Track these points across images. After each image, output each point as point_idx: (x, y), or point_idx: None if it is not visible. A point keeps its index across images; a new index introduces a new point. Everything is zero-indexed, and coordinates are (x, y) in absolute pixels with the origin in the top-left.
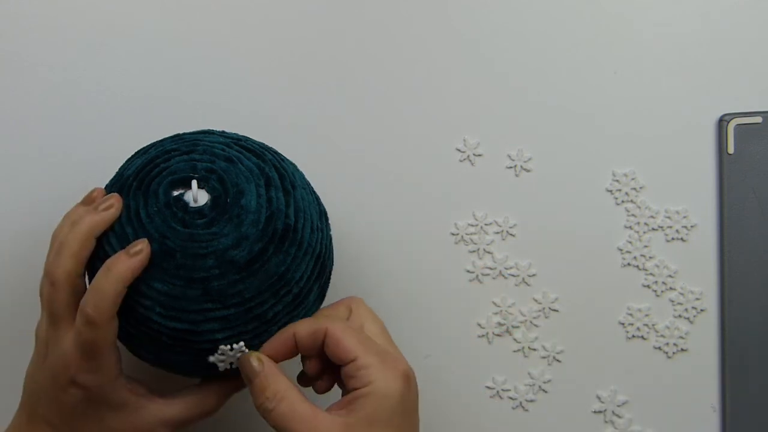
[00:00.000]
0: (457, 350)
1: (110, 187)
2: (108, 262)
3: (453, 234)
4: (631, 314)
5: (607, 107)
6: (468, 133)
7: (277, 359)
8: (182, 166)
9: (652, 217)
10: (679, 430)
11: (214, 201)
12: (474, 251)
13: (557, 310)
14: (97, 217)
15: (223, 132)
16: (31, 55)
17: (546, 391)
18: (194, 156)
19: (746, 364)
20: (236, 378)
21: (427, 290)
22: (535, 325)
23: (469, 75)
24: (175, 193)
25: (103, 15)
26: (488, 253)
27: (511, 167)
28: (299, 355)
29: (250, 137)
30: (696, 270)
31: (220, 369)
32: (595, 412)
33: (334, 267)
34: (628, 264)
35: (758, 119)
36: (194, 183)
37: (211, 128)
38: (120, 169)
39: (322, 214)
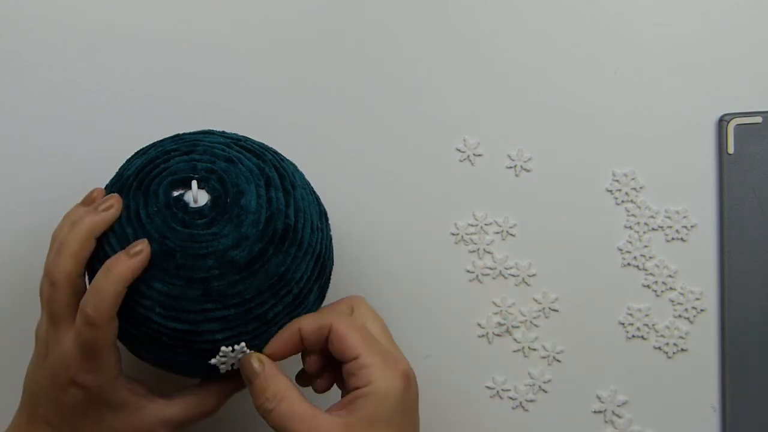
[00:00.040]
0: (457, 350)
1: (110, 188)
2: (108, 262)
3: (453, 234)
4: (631, 314)
5: (607, 107)
6: (468, 133)
7: (283, 355)
8: (182, 166)
9: (652, 217)
10: (679, 430)
11: (214, 201)
12: (474, 251)
13: (557, 310)
14: (97, 217)
15: (223, 132)
16: (31, 55)
17: (546, 391)
18: (194, 156)
19: (746, 364)
20: (236, 378)
21: (427, 290)
22: (535, 325)
23: (469, 75)
24: (175, 193)
25: (103, 15)
26: (488, 253)
27: (511, 167)
28: (299, 353)
29: (250, 137)
30: (696, 270)
31: (222, 371)
32: (595, 412)
33: (334, 267)
34: (628, 264)
35: (758, 119)
36: (194, 183)
37: (211, 128)
38: (120, 169)
39: (322, 214)
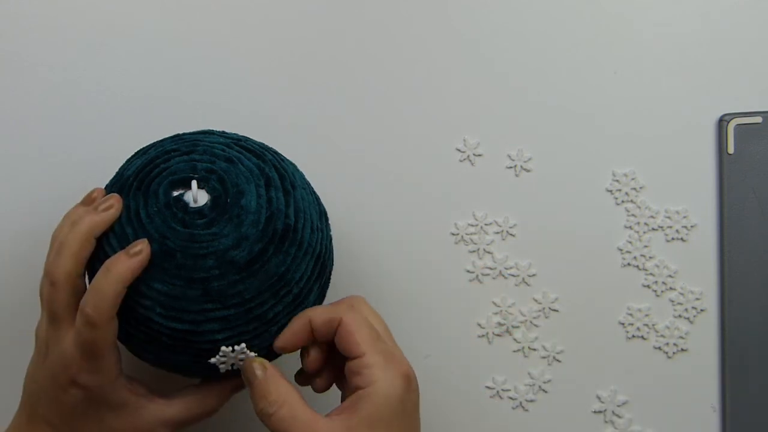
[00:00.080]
0: (457, 350)
1: (110, 188)
2: (108, 262)
3: (453, 234)
4: (631, 314)
5: (607, 107)
6: (468, 133)
7: (295, 346)
8: (182, 166)
9: (652, 217)
10: (679, 430)
11: (214, 201)
12: (474, 251)
13: (557, 310)
14: (97, 217)
15: (223, 132)
16: (31, 55)
17: (546, 391)
18: (194, 156)
19: (746, 364)
20: (236, 378)
21: (427, 290)
22: (535, 325)
23: (469, 75)
24: (175, 193)
25: (103, 15)
26: (488, 253)
27: (511, 167)
28: (298, 352)
29: (250, 137)
30: (696, 270)
31: (222, 371)
32: (595, 412)
33: (334, 267)
34: (628, 264)
35: (758, 119)
36: (194, 183)
37: (211, 128)
38: (120, 169)
39: (322, 214)
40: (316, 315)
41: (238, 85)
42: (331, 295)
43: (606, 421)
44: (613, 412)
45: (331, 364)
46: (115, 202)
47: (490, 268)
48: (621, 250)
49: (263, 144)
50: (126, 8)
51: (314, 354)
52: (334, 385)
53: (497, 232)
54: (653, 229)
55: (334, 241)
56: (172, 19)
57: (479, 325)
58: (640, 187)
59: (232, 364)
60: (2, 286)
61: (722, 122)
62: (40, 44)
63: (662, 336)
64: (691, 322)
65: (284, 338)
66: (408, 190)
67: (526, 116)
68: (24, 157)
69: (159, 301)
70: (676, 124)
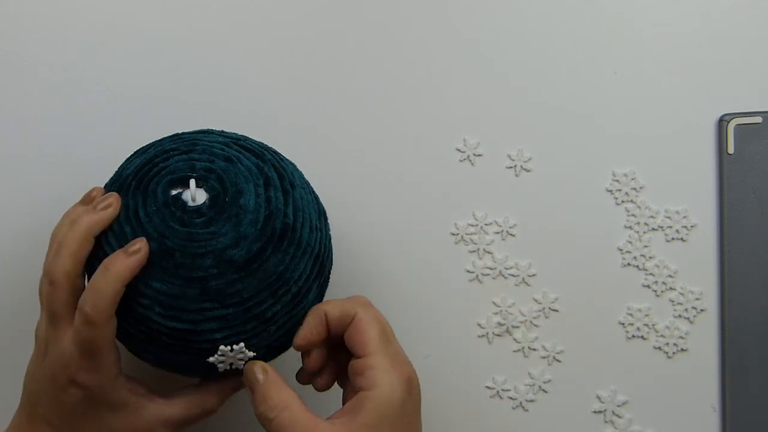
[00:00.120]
0: (457, 350)
1: (109, 187)
2: (106, 261)
3: (453, 234)
4: (631, 314)
5: (607, 107)
6: (468, 133)
7: (313, 342)
8: (181, 165)
9: (652, 217)
10: (679, 430)
11: (212, 200)
12: (474, 251)
13: (557, 310)
14: (96, 216)
15: (223, 132)
16: (31, 55)
17: (546, 391)
18: (193, 155)
19: (746, 364)
20: (236, 378)
21: (427, 290)
22: (535, 325)
23: (469, 75)
24: (174, 192)
25: (103, 15)
26: (488, 253)
27: (511, 167)
28: (297, 351)
29: (250, 137)
30: (696, 270)
31: (220, 370)
32: (595, 412)
33: (333, 267)
34: (628, 264)
35: (758, 119)
36: (192, 182)
37: (210, 128)
38: (119, 168)
39: (321, 214)
40: (331, 309)
41: (238, 85)
42: (331, 295)
43: (606, 421)
44: (613, 412)
45: (333, 363)
46: (114, 201)
47: (490, 268)
48: (621, 250)
49: (262, 143)
50: (126, 8)
51: (316, 353)
52: (335, 384)
53: (497, 232)
54: (653, 229)
55: (333, 241)
56: (172, 19)
57: (479, 325)
58: (640, 187)
59: (231, 364)
60: (2, 286)
61: (722, 122)
62: (40, 44)
63: (662, 336)
64: (691, 322)
65: (303, 335)
66: (408, 190)
67: (526, 116)
68: (24, 157)
69: (158, 300)
70: (676, 124)
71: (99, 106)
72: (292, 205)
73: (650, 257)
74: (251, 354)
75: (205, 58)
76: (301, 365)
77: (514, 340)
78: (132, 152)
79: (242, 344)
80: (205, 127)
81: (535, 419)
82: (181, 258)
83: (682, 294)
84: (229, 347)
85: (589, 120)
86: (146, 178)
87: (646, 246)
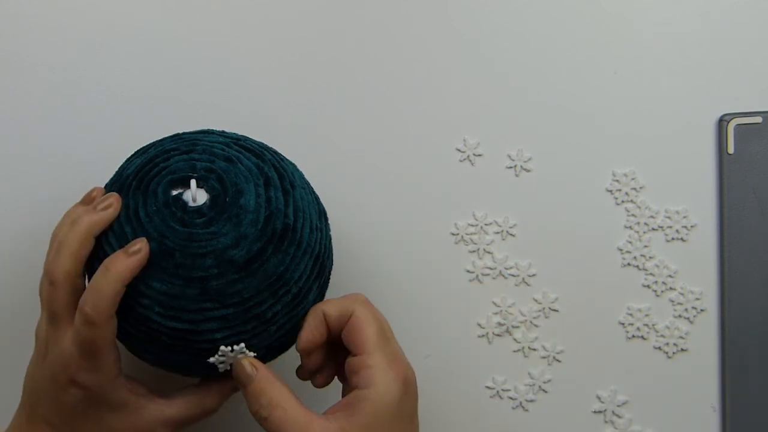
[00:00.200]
0: (457, 350)
1: (110, 187)
2: (106, 261)
3: (453, 234)
4: (631, 314)
5: (607, 107)
6: (468, 133)
7: (315, 344)
8: (181, 165)
9: (652, 217)
10: (679, 430)
11: (213, 200)
12: (474, 251)
13: (557, 310)
14: (96, 216)
15: (223, 132)
16: (31, 55)
17: (546, 391)
18: (194, 155)
19: (746, 364)
20: None
21: (427, 290)
22: (535, 325)
23: (469, 75)
24: (174, 192)
25: (103, 15)
26: (488, 253)
27: (511, 167)
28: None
29: (250, 137)
30: (696, 270)
31: (220, 370)
32: (595, 412)
33: (333, 267)
34: (628, 264)
35: (758, 119)
36: (193, 182)
37: (210, 128)
38: (119, 168)
39: (322, 214)
40: (330, 309)
41: (238, 85)
42: (331, 295)
43: (606, 421)
44: (613, 412)
45: (332, 360)
46: (114, 201)
47: (490, 268)
48: (621, 250)
49: (263, 143)
50: (126, 8)
51: (314, 354)
52: (334, 379)
53: (497, 232)
54: (653, 229)
55: (333, 241)
56: (172, 19)
57: (479, 325)
58: (640, 187)
59: (231, 364)
60: (2, 286)
61: (722, 122)
62: (40, 44)
63: (662, 336)
64: (691, 322)
65: (305, 338)
66: (408, 190)
67: (526, 116)
68: (24, 157)
69: (158, 300)
70: (676, 124)
71: (99, 106)
72: (292, 206)
73: (650, 257)
74: (251, 354)
75: (205, 58)
76: (299, 362)
77: (514, 340)
78: (132, 152)
79: (242, 344)
80: (205, 127)
81: (535, 419)
82: (182, 258)
83: (682, 294)
84: (229, 347)
85: (589, 120)
86: (147, 178)
87: (646, 246)
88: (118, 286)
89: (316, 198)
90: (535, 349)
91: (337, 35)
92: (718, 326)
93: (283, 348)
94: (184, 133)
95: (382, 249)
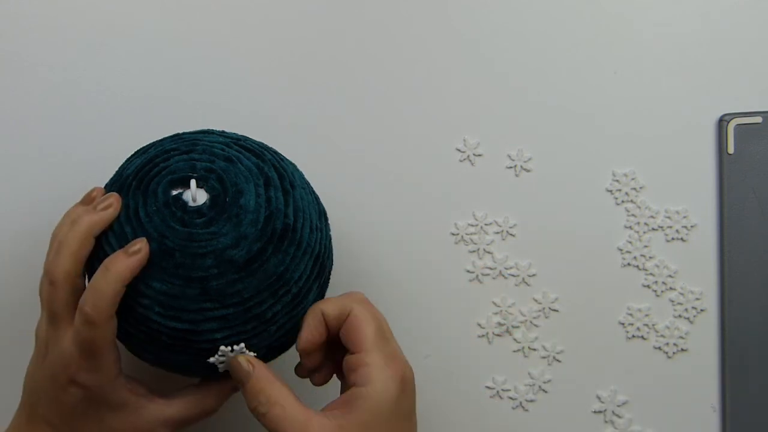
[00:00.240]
0: (457, 350)
1: (110, 187)
2: (106, 261)
3: (453, 234)
4: (631, 314)
5: (607, 107)
6: (468, 133)
7: (315, 344)
8: (181, 165)
9: (652, 217)
10: (679, 430)
11: (213, 200)
12: (474, 251)
13: (557, 310)
14: (96, 216)
15: (223, 132)
16: (31, 55)
17: (546, 391)
18: (194, 155)
19: (746, 364)
20: None
21: (427, 290)
22: (535, 325)
23: (469, 75)
24: (174, 192)
25: (103, 15)
26: (488, 253)
27: (511, 167)
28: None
29: (250, 137)
30: (696, 270)
31: (220, 370)
32: (595, 412)
33: (333, 267)
34: (628, 264)
35: (758, 119)
36: (193, 182)
37: (210, 128)
38: (119, 168)
39: (322, 214)
40: (329, 308)
41: (238, 85)
42: (330, 295)
43: (606, 421)
44: (613, 412)
45: (330, 358)
46: (114, 201)
47: (490, 268)
48: (621, 250)
49: (263, 143)
50: (126, 8)
51: (313, 354)
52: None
53: (497, 232)
54: (653, 229)
55: (333, 241)
56: (172, 19)
57: (479, 325)
58: (640, 187)
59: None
60: (2, 286)
61: (722, 122)
62: (40, 44)
63: (662, 336)
64: (691, 322)
65: (305, 338)
66: (408, 190)
67: (526, 116)
68: (24, 157)
69: (158, 300)
70: (676, 124)
71: (99, 106)
72: (292, 206)
73: (650, 257)
74: (252, 354)
75: (205, 58)
76: (298, 360)
77: (514, 340)
78: (132, 152)
79: (242, 344)
80: (205, 127)
81: (535, 419)
82: (182, 258)
83: (682, 294)
84: (229, 347)
85: (589, 120)
86: (147, 178)
87: (646, 246)
88: (118, 286)
89: (316, 198)
90: (535, 349)
91: (337, 35)
92: (718, 326)
93: (283, 348)
94: (184, 133)
95: (382, 249)
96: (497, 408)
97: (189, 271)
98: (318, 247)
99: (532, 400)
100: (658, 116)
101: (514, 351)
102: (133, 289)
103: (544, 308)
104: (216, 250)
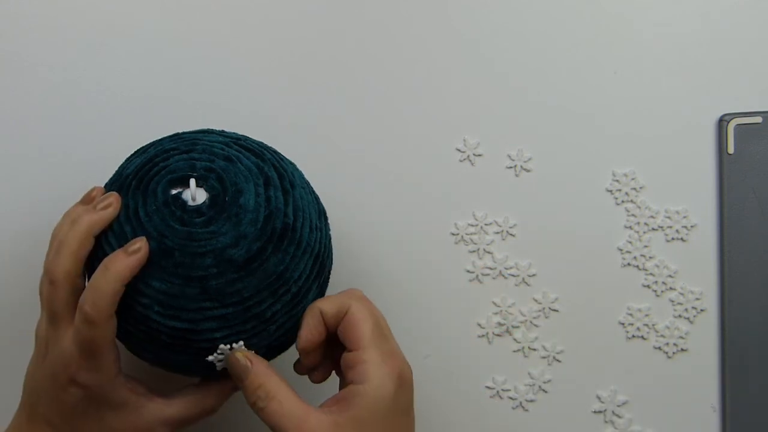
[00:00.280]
0: (457, 350)
1: (109, 186)
2: (106, 260)
3: (453, 234)
4: (631, 314)
5: (607, 107)
6: (468, 133)
7: (314, 343)
8: (181, 164)
9: (652, 217)
10: (679, 430)
11: (212, 200)
12: (474, 251)
13: (557, 310)
14: (96, 216)
15: (223, 131)
16: (31, 55)
17: (546, 391)
18: (193, 155)
19: (746, 364)
20: None
21: (427, 290)
22: (535, 325)
23: (469, 75)
24: (174, 191)
25: (103, 15)
26: (488, 253)
27: (511, 167)
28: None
29: (250, 137)
30: (696, 270)
31: (218, 368)
32: (595, 412)
33: (333, 266)
34: (628, 264)
35: (758, 119)
36: (192, 182)
37: (210, 128)
38: (119, 168)
39: (321, 214)
40: (326, 305)
41: (238, 85)
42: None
43: (606, 421)
44: (613, 412)
45: (329, 356)
46: (114, 200)
47: (490, 268)
48: (621, 250)
49: (262, 143)
50: (126, 8)
51: (313, 353)
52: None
53: (497, 232)
54: (653, 229)
55: (333, 241)
56: (172, 19)
57: (479, 325)
58: (640, 187)
59: None
60: (2, 286)
61: (722, 122)
62: (40, 44)
63: (662, 336)
64: (691, 322)
65: (305, 338)
66: (408, 190)
67: (526, 116)
68: (24, 157)
69: (157, 300)
70: (676, 124)
71: (99, 106)
72: (292, 205)
73: (650, 257)
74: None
75: (205, 58)
76: (297, 356)
77: (514, 340)
78: (132, 152)
79: (242, 343)
80: (205, 127)
81: (535, 419)
82: (181, 257)
83: (682, 294)
84: (228, 346)
85: (589, 120)
86: (146, 178)
87: (646, 246)
88: (117, 285)
89: (316, 198)
90: (535, 349)
91: (337, 35)
92: (718, 326)
93: (282, 347)
94: (183, 133)
95: (382, 249)
96: (497, 408)
97: (188, 271)
98: (318, 246)
99: (532, 400)
100: (658, 116)
101: (514, 351)
102: (133, 289)
103: (544, 308)
104: (215, 249)
